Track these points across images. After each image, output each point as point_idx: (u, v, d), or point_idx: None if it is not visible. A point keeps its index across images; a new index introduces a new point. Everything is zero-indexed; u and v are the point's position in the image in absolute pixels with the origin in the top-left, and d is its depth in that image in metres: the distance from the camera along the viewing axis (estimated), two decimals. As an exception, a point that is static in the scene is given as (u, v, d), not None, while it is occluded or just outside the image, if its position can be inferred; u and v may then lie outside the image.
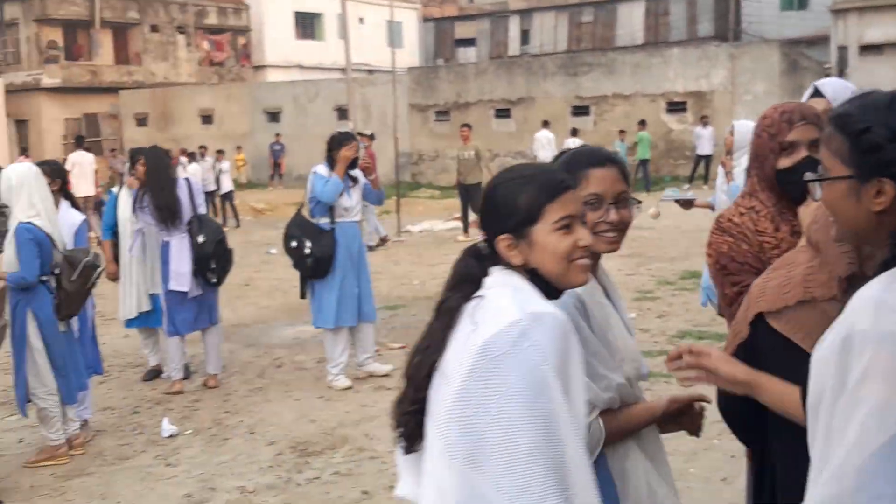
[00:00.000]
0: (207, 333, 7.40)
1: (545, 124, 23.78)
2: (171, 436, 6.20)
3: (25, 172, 5.66)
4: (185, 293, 7.12)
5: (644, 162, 24.26)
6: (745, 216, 2.62)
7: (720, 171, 7.06)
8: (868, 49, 26.16)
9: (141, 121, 37.00)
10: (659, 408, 2.27)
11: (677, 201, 7.00)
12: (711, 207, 7.20)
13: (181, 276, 7.08)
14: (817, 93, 3.36)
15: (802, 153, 2.49)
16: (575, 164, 2.24)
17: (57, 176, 6.31)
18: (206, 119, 35.75)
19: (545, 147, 22.05)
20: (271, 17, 41.47)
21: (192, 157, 21.53)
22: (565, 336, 1.77)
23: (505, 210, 1.89)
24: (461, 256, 1.99)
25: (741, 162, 6.43)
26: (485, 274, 1.91)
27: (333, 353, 7.20)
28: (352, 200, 7.14)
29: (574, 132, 24.45)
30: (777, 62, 25.78)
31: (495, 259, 1.92)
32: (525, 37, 40.62)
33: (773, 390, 1.98)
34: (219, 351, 7.52)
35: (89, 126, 36.85)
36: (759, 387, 1.99)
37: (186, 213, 7.14)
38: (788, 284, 2.08)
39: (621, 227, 2.25)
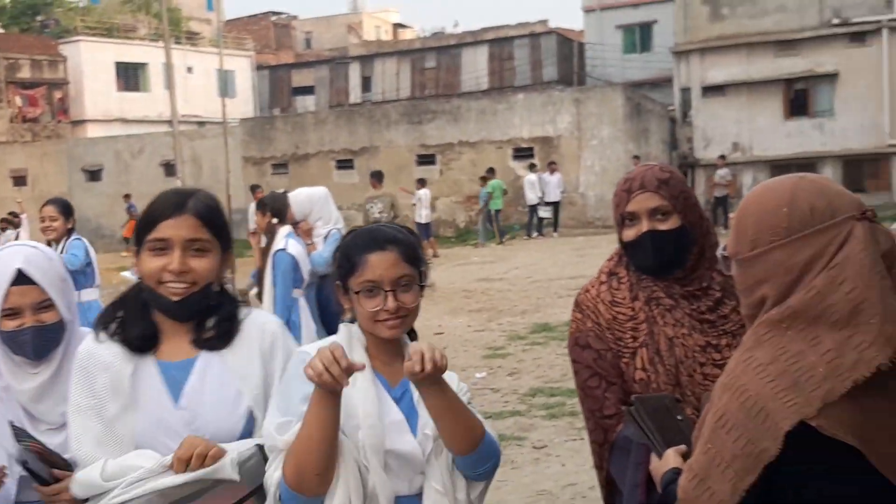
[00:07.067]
0: None
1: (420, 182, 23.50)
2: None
3: None
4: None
5: (497, 212, 24.36)
6: (605, 284, 2.54)
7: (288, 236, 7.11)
8: (710, 90, 27.69)
9: (-60, 185, 35.36)
10: None
11: None
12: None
13: None
14: None
15: (643, 225, 2.42)
16: (353, 249, 2.26)
17: None
18: (19, 181, 34.60)
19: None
20: (91, 69, 40.60)
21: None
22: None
23: None
24: None
25: (319, 228, 7.43)
26: None
27: None
28: None
29: (421, 183, 23.53)
30: (621, 105, 26.95)
31: None
32: (367, 84, 40.95)
33: None
34: None
35: None
36: None
37: None
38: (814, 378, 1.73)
39: (402, 314, 2.23)
